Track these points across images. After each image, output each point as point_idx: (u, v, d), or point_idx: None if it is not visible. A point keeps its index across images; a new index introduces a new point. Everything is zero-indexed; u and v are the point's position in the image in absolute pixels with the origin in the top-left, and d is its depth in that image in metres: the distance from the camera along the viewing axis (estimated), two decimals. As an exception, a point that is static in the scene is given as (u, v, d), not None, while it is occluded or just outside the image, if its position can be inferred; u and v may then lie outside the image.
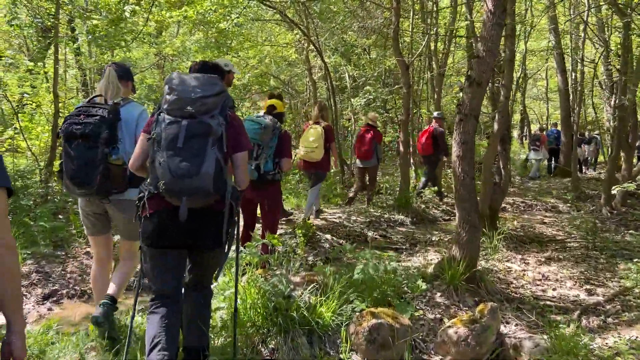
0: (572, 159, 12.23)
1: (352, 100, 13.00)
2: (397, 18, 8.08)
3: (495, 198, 6.75)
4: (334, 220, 7.37)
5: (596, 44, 13.63)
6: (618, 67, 12.85)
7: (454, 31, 10.47)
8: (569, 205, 10.30)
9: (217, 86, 2.49)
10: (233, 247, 2.77)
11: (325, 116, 6.95)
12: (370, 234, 6.79)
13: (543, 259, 5.81)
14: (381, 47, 13.81)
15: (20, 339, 1.47)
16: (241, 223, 5.74)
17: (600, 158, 17.91)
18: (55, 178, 6.59)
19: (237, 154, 2.59)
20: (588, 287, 4.82)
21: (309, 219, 6.57)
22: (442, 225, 8.00)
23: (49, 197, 6.43)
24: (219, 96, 2.46)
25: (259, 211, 4.69)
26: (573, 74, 16.53)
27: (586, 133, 17.25)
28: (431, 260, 5.59)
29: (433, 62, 11.24)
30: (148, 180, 2.52)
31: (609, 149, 16.47)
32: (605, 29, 12.87)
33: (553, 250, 6.27)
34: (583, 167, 16.47)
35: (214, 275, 2.74)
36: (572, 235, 7.27)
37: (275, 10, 11.22)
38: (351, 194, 8.90)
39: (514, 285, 4.81)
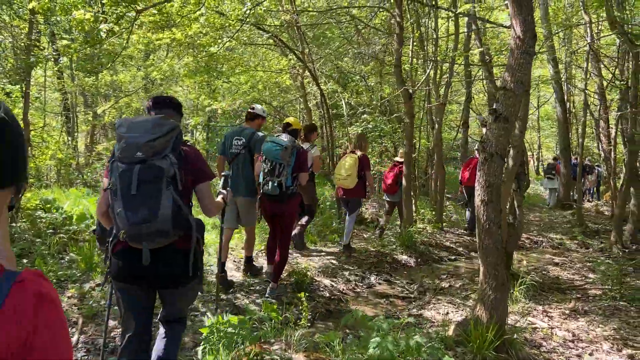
0: (577, 191, 11.75)
1: (349, 128, 12.47)
2: (400, 45, 7.60)
3: (510, 240, 6.16)
4: (332, 261, 6.72)
5: (589, 73, 13.36)
6: (618, 97, 12.57)
7: (455, 58, 9.99)
8: (576, 242, 9.76)
9: (165, 126, 2.43)
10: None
11: (364, 146, 7.25)
12: (373, 279, 6.16)
13: (567, 312, 5.21)
14: (377, 74, 13.36)
15: None
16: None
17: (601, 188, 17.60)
18: (23, 216, 5.90)
19: (198, 186, 2.63)
20: (629, 351, 4.21)
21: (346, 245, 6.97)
22: (449, 265, 7.39)
23: (15, 236, 5.72)
24: (168, 136, 2.41)
25: None
26: (568, 104, 16.22)
27: (586, 162, 16.91)
28: (446, 313, 4.97)
29: (433, 91, 10.76)
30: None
31: (608, 179, 16.13)
32: (599, 58, 12.58)
33: (575, 300, 5.67)
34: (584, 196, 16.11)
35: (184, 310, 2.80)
36: (591, 280, 6.69)
37: (269, 35, 10.72)
38: (379, 229, 8.40)
39: (544, 349, 4.19)
